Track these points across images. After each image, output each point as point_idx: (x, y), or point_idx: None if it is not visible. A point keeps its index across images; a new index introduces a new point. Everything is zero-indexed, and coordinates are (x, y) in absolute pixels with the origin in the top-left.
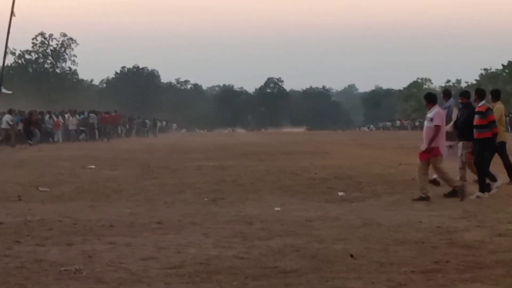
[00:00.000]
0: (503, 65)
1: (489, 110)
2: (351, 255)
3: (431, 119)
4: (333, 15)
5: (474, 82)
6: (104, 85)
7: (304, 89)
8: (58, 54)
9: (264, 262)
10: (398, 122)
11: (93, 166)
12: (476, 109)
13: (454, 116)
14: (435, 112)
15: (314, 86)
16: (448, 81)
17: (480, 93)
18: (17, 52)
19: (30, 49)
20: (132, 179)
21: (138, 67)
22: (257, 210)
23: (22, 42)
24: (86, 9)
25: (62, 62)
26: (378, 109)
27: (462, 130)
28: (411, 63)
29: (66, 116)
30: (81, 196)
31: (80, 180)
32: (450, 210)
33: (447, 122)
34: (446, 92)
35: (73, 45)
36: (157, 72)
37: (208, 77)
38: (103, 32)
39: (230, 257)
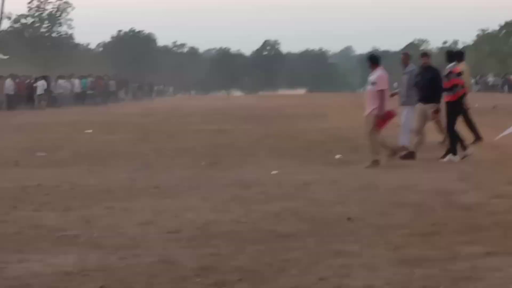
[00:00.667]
0: (500, 25)
1: (451, 73)
2: (349, 218)
3: (374, 83)
4: None
5: (471, 43)
6: (101, 49)
7: (301, 51)
8: (54, 18)
9: (262, 226)
10: (395, 84)
11: (91, 131)
12: None
13: None
14: (379, 76)
15: (310, 48)
16: (445, 42)
17: (448, 56)
18: (13, 17)
19: (26, 13)
20: (129, 144)
21: (134, 30)
22: (255, 174)
23: (17, 6)
24: None
25: (58, 26)
26: None
27: (424, 92)
28: (408, 24)
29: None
30: (78, 161)
31: (78, 145)
32: (447, 172)
33: (409, 88)
34: (407, 56)
35: (69, 9)
36: (154, 36)
37: (204, 40)
38: None
39: (227, 222)
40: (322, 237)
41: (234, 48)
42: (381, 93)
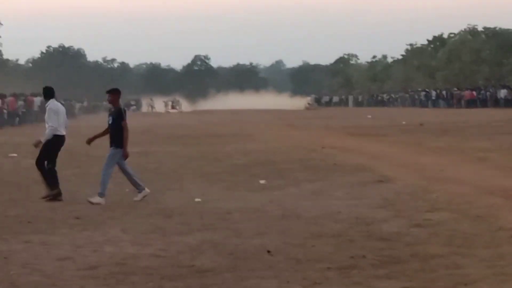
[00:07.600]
0: (428, 40)
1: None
2: (268, 251)
3: None
4: None
5: (400, 57)
6: (30, 64)
7: (232, 66)
8: None
9: (181, 260)
10: (326, 98)
11: (15, 155)
12: None
13: None
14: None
15: (241, 62)
16: (374, 56)
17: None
18: None
19: None
20: None
21: (64, 46)
22: (178, 201)
23: None
24: None
25: None
26: (306, 85)
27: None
28: (339, 38)
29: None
30: (0, 189)
31: (1, 171)
32: (370, 198)
33: None
34: None
35: None
36: (83, 51)
37: (134, 55)
38: (26, 11)
39: (147, 256)
40: (241, 272)
41: (164, 62)
42: None
